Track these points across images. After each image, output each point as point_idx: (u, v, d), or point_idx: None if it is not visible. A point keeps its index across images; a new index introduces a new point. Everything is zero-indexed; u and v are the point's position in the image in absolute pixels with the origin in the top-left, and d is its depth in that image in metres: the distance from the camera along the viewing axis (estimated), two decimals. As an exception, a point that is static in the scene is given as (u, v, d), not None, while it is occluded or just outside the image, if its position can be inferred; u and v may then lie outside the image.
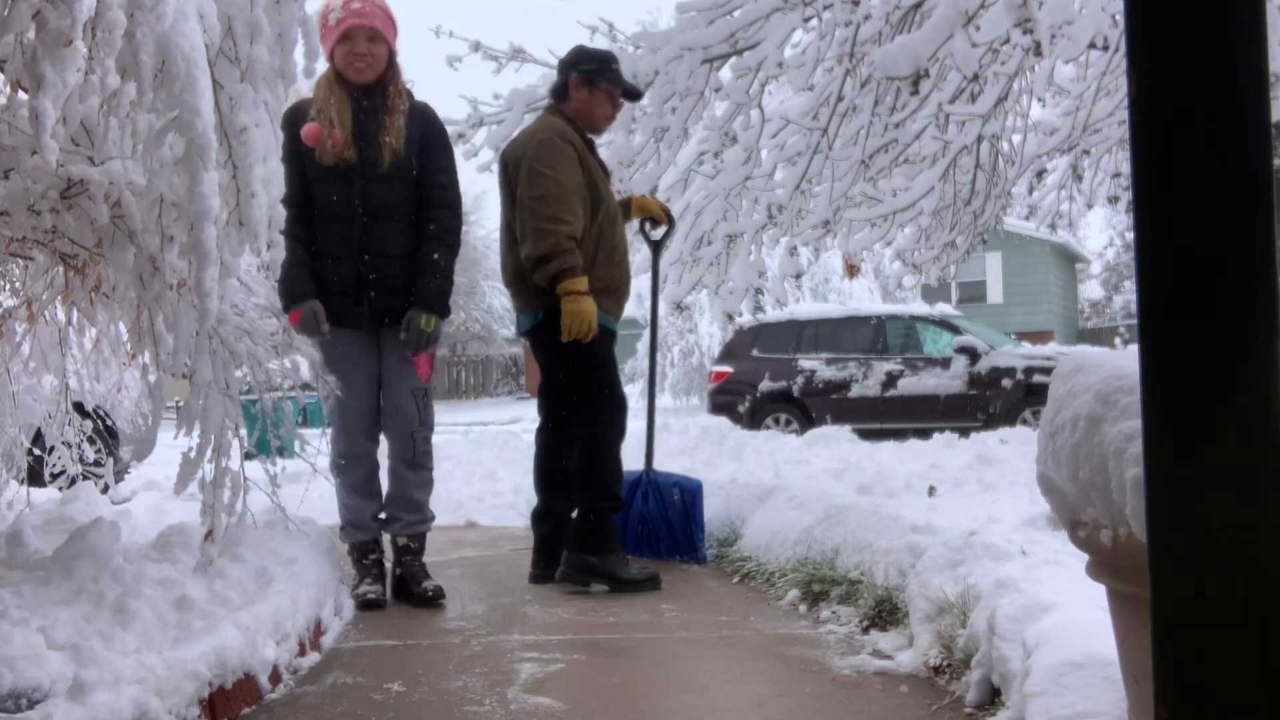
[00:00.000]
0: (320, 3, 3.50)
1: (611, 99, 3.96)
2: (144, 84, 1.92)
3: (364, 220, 3.50)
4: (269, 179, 2.20)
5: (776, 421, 11.65)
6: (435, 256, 3.55)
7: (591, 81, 3.90)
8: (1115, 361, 1.54)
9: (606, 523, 3.76)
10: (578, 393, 3.81)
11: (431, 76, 3.80)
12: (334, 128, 3.44)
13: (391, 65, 3.54)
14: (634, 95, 4.13)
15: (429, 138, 3.61)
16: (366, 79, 3.49)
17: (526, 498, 5.99)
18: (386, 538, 3.70)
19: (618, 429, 3.85)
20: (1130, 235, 3.30)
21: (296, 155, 3.45)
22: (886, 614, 2.94)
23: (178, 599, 2.47)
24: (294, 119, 3.47)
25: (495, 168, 5.81)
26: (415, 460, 3.61)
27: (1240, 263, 0.97)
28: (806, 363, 11.80)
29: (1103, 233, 33.97)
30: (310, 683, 2.58)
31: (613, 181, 4.21)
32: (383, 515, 3.66)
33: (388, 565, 3.67)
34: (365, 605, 3.43)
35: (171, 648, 2.13)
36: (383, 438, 3.67)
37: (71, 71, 1.81)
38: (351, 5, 3.43)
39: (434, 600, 3.46)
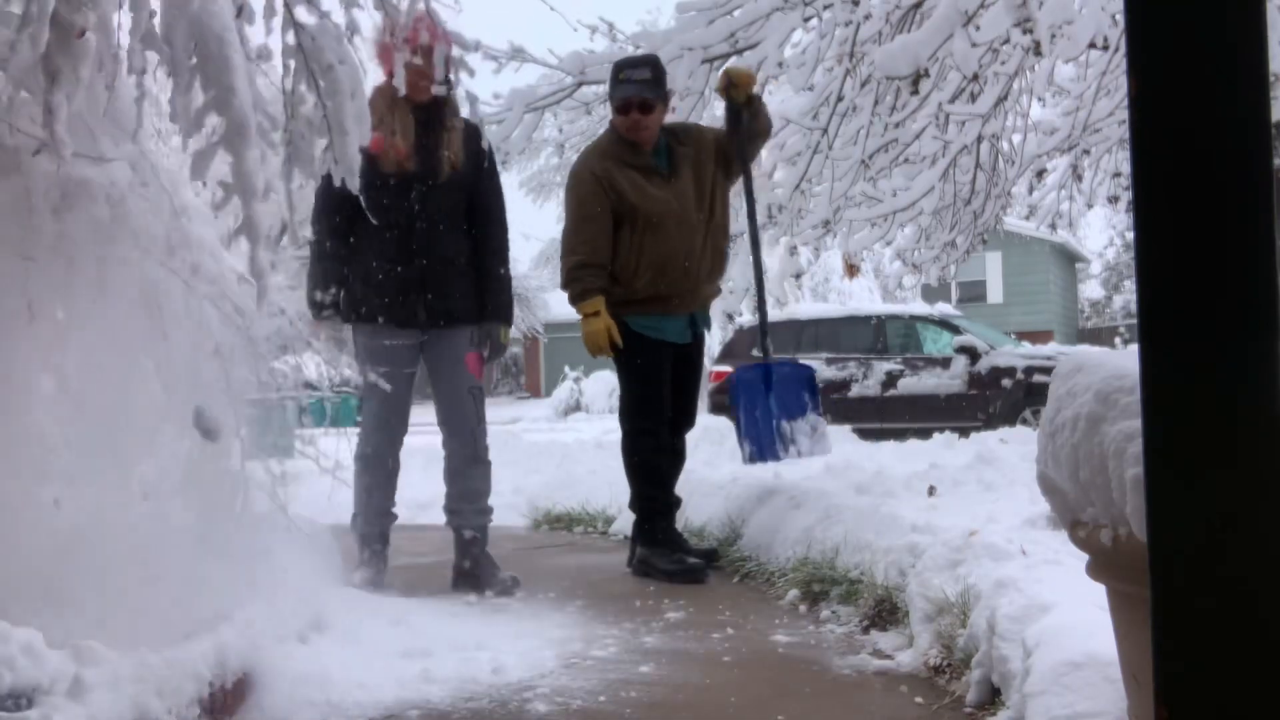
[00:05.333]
0: (378, 21, 3.63)
1: (619, 110, 4.05)
2: (179, 66, 1.92)
3: (423, 227, 3.63)
4: (360, 115, 2.23)
5: (776, 421, 11.64)
6: (501, 271, 3.81)
7: (610, 99, 4.17)
8: (1115, 361, 1.54)
9: (647, 519, 4.02)
10: (621, 398, 4.16)
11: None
12: (396, 138, 3.57)
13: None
14: (623, 106, 4.03)
15: (480, 153, 3.77)
16: (426, 98, 3.62)
17: (527, 498, 6.01)
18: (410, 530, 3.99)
19: (646, 437, 4.03)
20: (1130, 235, 3.30)
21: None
22: (886, 614, 2.94)
23: (178, 598, 2.47)
24: None
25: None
26: (478, 455, 3.80)
27: (1240, 263, 0.97)
28: (806, 362, 11.79)
29: (1103, 233, 33.96)
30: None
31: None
32: (394, 509, 3.84)
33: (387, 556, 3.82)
34: (365, 587, 3.47)
35: (171, 648, 2.13)
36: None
37: (85, 65, 1.81)
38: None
39: (513, 589, 3.61)
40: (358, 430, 3.77)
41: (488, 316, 3.78)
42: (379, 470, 3.72)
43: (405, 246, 3.62)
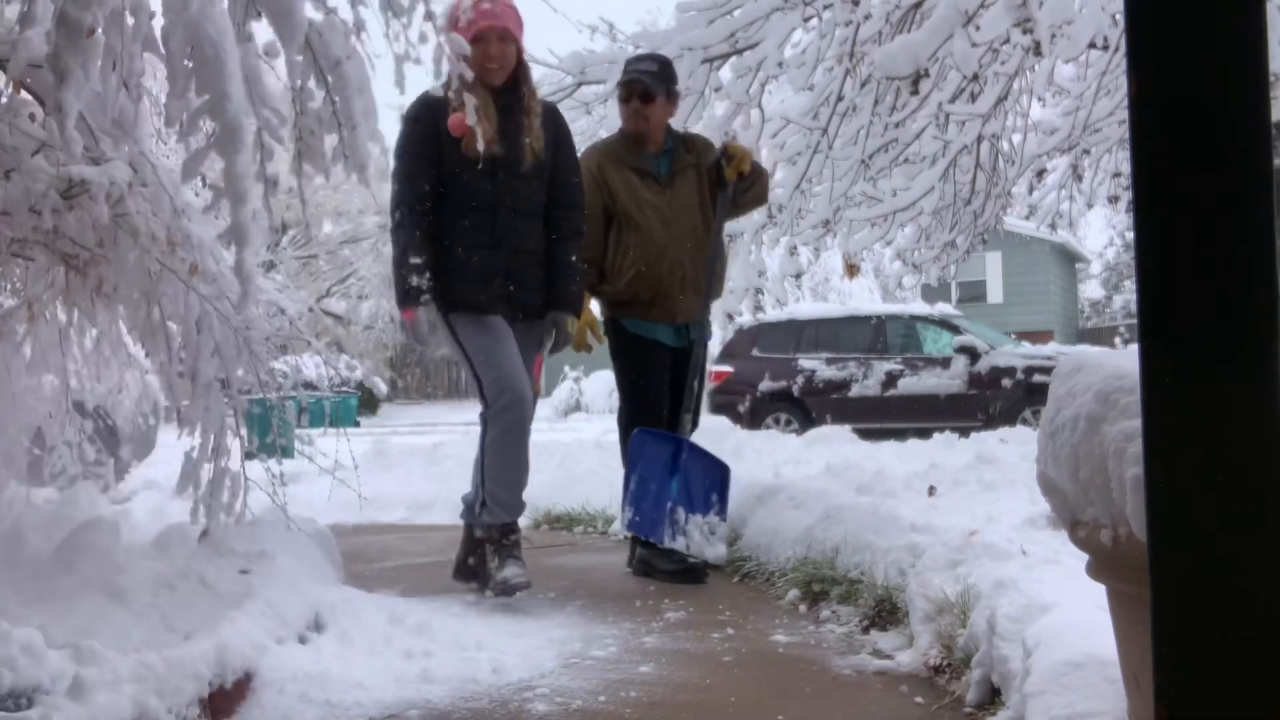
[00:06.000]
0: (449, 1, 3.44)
1: (622, 98, 4.12)
2: (175, 71, 1.93)
3: (506, 215, 3.51)
4: (367, 110, 2.23)
5: (776, 421, 11.65)
6: (573, 259, 3.66)
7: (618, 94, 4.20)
8: (1115, 361, 1.54)
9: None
10: (620, 398, 4.21)
11: (428, 78, 3.82)
12: (484, 119, 3.38)
13: (521, 64, 3.56)
14: (625, 94, 4.11)
15: (560, 138, 3.67)
16: (498, 81, 3.49)
17: (527, 497, 6.00)
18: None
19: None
20: (1130, 235, 3.30)
21: (436, 146, 3.45)
22: (886, 614, 2.94)
23: (177, 598, 2.47)
24: (432, 109, 3.45)
25: None
26: None
27: (1240, 262, 0.97)
28: (806, 363, 11.80)
29: (1103, 233, 33.97)
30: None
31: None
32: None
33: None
34: (513, 590, 3.38)
35: (171, 647, 2.13)
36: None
37: (94, 63, 1.81)
38: (482, 5, 3.41)
39: (513, 591, 3.43)
40: (480, 424, 3.57)
41: (557, 305, 3.64)
42: (518, 443, 3.51)
43: (489, 235, 3.50)
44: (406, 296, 3.45)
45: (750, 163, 4.13)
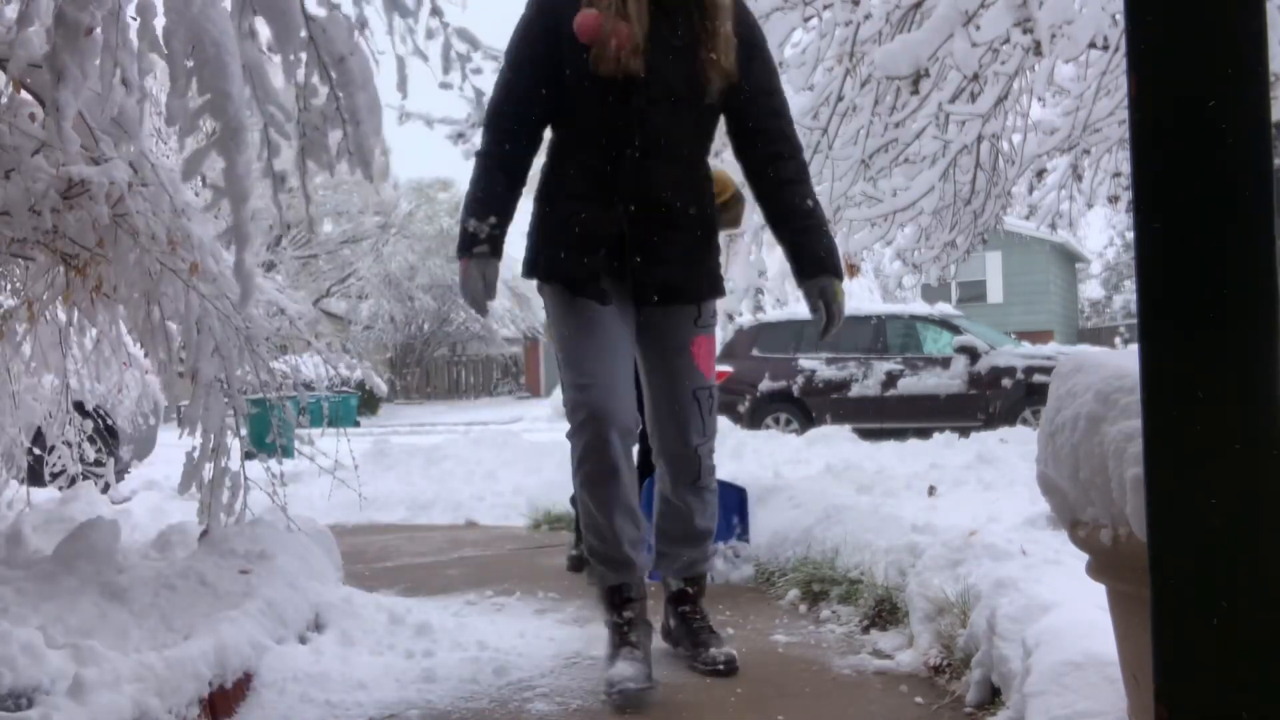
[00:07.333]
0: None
1: None
2: (176, 70, 1.93)
3: (637, 157, 2.51)
4: (371, 106, 2.25)
5: (776, 421, 11.65)
6: (810, 204, 2.62)
7: None
8: (1115, 361, 1.54)
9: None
10: None
11: (430, 75, 3.82)
12: (622, 21, 2.41)
13: None
14: None
15: (750, 43, 2.59)
16: None
17: (527, 498, 6.01)
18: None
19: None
20: (1130, 235, 3.30)
21: (552, 52, 2.50)
22: (886, 614, 2.94)
23: (177, 598, 2.47)
24: (554, 3, 2.52)
25: None
26: (700, 482, 2.70)
27: (1240, 262, 0.97)
28: (806, 362, 11.81)
29: (1103, 233, 34.04)
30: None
31: None
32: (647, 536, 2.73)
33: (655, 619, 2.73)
34: (626, 696, 2.37)
35: (171, 647, 2.14)
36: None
37: (92, 62, 1.82)
38: None
39: (725, 674, 2.57)
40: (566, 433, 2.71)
41: (812, 271, 2.59)
42: (609, 488, 2.52)
43: (609, 184, 2.52)
44: (464, 242, 2.53)
45: (730, 191, 3.74)
